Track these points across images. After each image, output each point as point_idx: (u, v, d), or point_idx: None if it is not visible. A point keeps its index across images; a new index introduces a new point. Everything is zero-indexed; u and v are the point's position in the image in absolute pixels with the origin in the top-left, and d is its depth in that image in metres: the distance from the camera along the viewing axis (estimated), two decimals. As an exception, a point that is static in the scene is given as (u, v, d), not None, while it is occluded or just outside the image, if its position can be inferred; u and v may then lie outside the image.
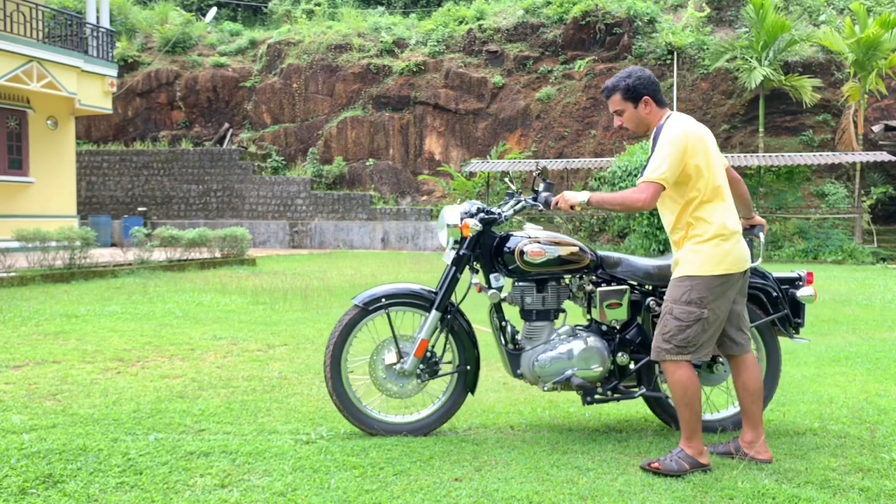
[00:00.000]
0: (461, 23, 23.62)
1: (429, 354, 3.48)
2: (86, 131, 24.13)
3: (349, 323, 3.44)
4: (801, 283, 3.58)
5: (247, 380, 4.65)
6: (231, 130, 24.26)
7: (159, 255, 13.13)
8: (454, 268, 3.48)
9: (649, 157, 3.11)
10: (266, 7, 29.74)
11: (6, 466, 2.93)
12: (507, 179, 3.73)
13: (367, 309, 3.45)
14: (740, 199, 3.32)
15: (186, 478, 2.87)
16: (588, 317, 3.58)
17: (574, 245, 3.46)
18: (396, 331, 3.47)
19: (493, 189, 20.83)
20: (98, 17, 16.83)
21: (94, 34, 16.29)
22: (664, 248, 15.35)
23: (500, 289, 3.47)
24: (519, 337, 3.52)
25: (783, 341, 3.77)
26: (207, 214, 22.35)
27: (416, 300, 3.51)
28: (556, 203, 3.29)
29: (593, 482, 2.88)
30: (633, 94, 3.18)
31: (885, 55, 17.91)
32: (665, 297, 3.14)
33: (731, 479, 2.91)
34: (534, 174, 3.56)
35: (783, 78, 19.20)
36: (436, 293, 3.48)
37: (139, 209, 22.34)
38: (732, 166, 3.65)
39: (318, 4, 26.76)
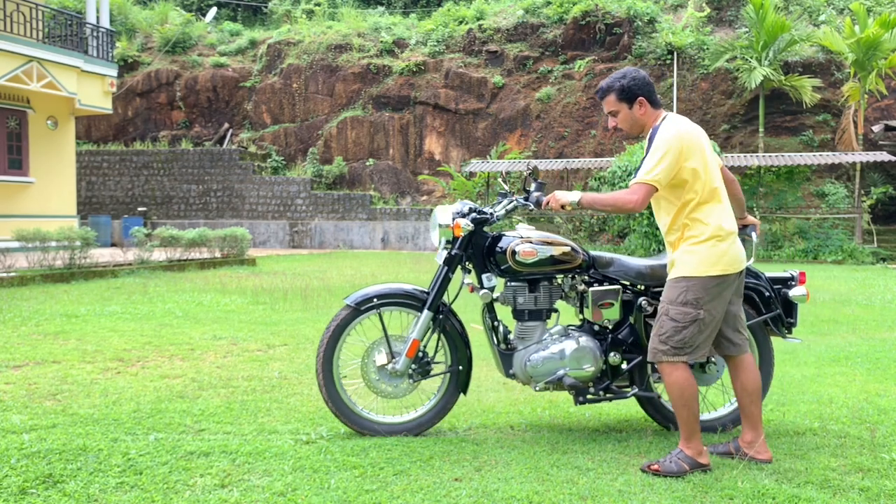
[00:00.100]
0: (461, 23, 23.62)
1: (421, 354, 3.47)
2: (86, 131, 24.14)
3: (341, 323, 3.43)
4: (793, 283, 3.57)
5: (247, 380, 4.65)
6: (231, 130, 24.26)
7: (159, 255, 13.13)
8: (446, 268, 3.48)
9: (643, 158, 3.10)
10: (266, 7, 29.74)
11: (6, 466, 2.93)
12: (499, 179, 3.73)
13: (359, 309, 3.44)
14: (734, 200, 3.31)
15: (186, 478, 2.87)
16: (580, 317, 3.58)
17: (566, 245, 3.46)
18: (388, 331, 3.47)
19: (493, 189, 20.83)
20: (98, 17, 16.83)
21: (94, 34, 16.29)
22: (664, 249, 15.34)
23: (492, 289, 3.47)
24: (511, 337, 3.53)
25: (780, 342, 3.77)
26: (207, 214, 22.36)
27: (409, 300, 3.51)
28: (547, 203, 3.29)
29: (593, 482, 2.88)
30: (628, 94, 3.17)
31: (885, 55, 17.92)
32: (661, 298, 3.14)
33: (731, 479, 2.91)
34: (524, 174, 3.57)
35: (783, 78, 19.20)
36: (428, 293, 3.48)
37: (139, 209, 22.35)
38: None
39: (318, 4, 26.76)
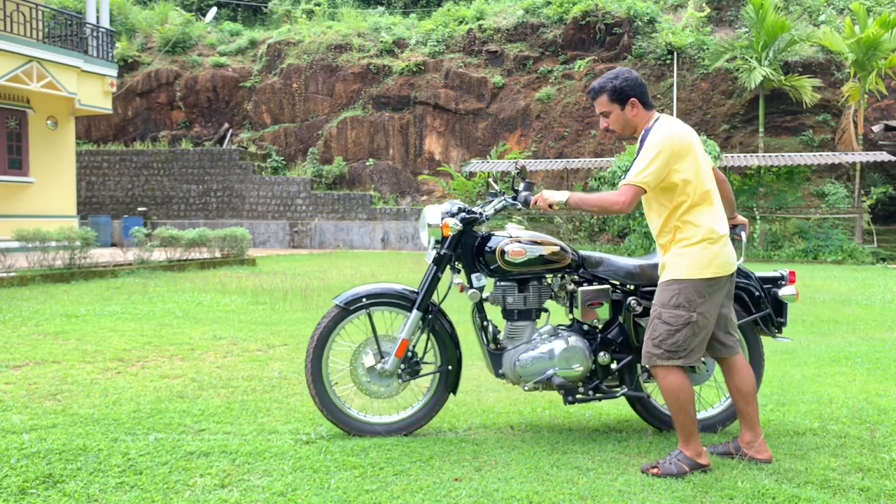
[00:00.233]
0: (461, 23, 23.62)
1: (410, 354, 3.47)
2: (86, 131, 24.13)
3: (330, 323, 3.43)
4: (783, 283, 3.57)
5: (247, 380, 4.65)
6: (231, 130, 24.26)
7: (159, 255, 13.13)
8: (435, 267, 3.48)
9: (634, 159, 3.10)
10: (266, 7, 29.74)
11: (6, 466, 2.93)
12: (490, 179, 3.73)
13: (348, 309, 3.44)
14: (725, 200, 3.30)
15: (186, 478, 2.87)
16: (570, 316, 3.58)
17: (555, 245, 3.46)
18: (377, 331, 3.46)
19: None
20: (98, 17, 16.83)
21: (94, 34, 16.29)
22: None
23: (481, 289, 3.47)
24: (501, 337, 3.52)
25: (772, 343, 3.76)
26: (207, 214, 22.36)
27: (398, 300, 3.51)
28: (535, 202, 3.29)
29: (593, 482, 2.88)
30: (620, 95, 3.15)
31: (885, 55, 17.91)
32: (653, 302, 3.13)
33: (731, 479, 2.91)
34: (513, 173, 3.56)
35: (783, 78, 19.20)
36: (417, 293, 3.48)
37: (139, 209, 22.35)
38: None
39: (318, 4, 26.76)
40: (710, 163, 3.22)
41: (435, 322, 3.50)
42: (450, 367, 3.52)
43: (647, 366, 3.12)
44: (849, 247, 17.02)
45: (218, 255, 14.13)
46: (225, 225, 20.37)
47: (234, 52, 25.07)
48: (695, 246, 3.01)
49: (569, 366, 3.40)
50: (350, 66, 23.35)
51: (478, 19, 23.51)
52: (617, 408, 4.07)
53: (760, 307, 3.52)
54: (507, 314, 3.53)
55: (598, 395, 3.50)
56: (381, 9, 27.41)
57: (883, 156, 17.29)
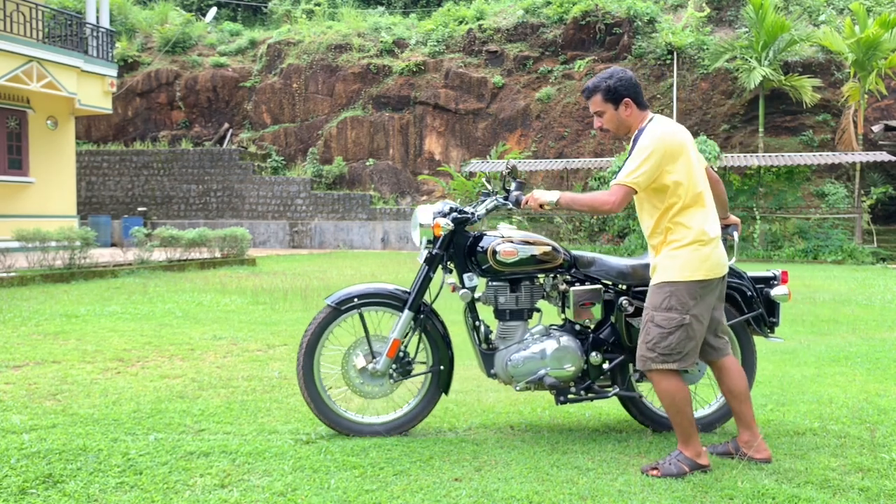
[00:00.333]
0: (461, 23, 23.62)
1: (402, 354, 3.47)
2: (86, 131, 24.13)
3: (322, 323, 3.42)
4: (775, 283, 3.57)
5: (247, 380, 4.65)
6: (231, 130, 24.26)
7: (159, 255, 13.13)
8: (427, 267, 3.48)
9: (625, 159, 3.09)
10: (266, 7, 29.74)
11: (6, 466, 2.93)
12: (483, 179, 3.73)
13: (339, 309, 3.44)
14: (718, 200, 3.30)
15: (186, 478, 2.87)
16: (563, 316, 3.58)
17: (547, 245, 3.46)
18: (369, 331, 3.46)
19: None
20: (98, 17, 16.83)
21: (94, 34, 16.29)
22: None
23: (472, 289, 3.47)
24: (493, 337, 3.52)
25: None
26: (207, 214, 22.36)
27: (390, 300, 3.50)
28: (526, 202, 3.28)
29: (593, 482, 2.88)
30: (614, 95, 3.14)
31: (884, 55, 17.91)
32: (645, 305, 3.12)
33: (731, 479, 2.91)
34: (503, 173, 3.56)
35: (783, 78, 19.20)
36: (409, 293, 3.48)
37: (139, 209, 22.35)
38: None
39: (318, 4, 26.76)
40: (704, 163, 3.21)
41: (427, 322, 3.50)
42: (442, 367, 3.52)
43: (642, 370, 3.12)
44: (849, 247, 17.02)
45: (218, 255, 14.13)
46: (225, 225, 20.37)
47: (234, 52, 25.07)
48: (685, 248, 3.00)
49: (560, 366, 3.40)
50: (350, 66, 23.35)
51: (478, 19, 23.51)
52: (617, 408, 4.07)
53: (753, 307, 3.51)
54: (499, 314, 3.53)
55: (589, 395, 3.50)
56: (381, 9, 27.41)
57: (883, 156, 17.29)
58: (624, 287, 3.49)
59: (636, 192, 3.03)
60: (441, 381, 3.52)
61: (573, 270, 3.51)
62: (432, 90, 22.61)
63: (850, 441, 3.43)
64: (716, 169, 17.58)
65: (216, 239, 13.98)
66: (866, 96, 18.68)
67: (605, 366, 3.48)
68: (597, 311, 3.45)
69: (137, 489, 2.76)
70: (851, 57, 18.27)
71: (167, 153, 22.67)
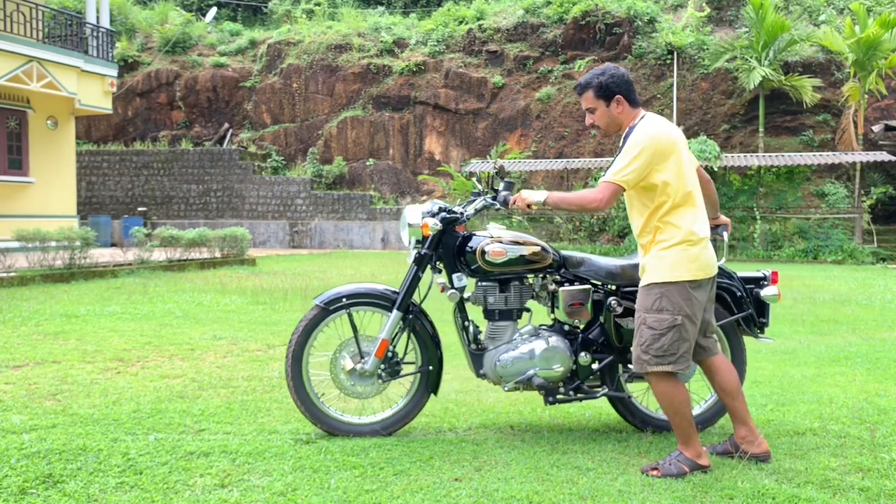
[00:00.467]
0: (461, 23, 23.62)
1: (390, 354, 3.47)
2: (86, 131, 24.13)
3: (310, 323, 3.42)
4: (765, 283, 3.56)
5: (247, 380, 4.65)
6: (231, 130, 24.26)
7: (159, 255, 13.13)
8: (416, 267, 3.48)
9: (615, 157, 3.09)
10: (266, 7, 29.74)
11: (6, 466, 2.93)
12: (474, 179, 3.73)
13: (328, 309, 3.43)
14: (708, 200, 3.29)
15: (186, 478, 2.87)
16: (552, 316, 3.58)
17: (536, 245, 3.45)
18: (358, 331, 3.46)
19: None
20: (98, 17, 16.83)
21: (94, 34, 16.29)
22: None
23: (461, 289, 3.46)
24: (482, 337, 3.52)
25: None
26: (207, 214, 22.36)
27: (379, 300, 3.50)
28: (514, 202, 3.28)
29: (593, 482, 2.88)
30: (606, 92, 3.13)
31: (885, 55, 17.91)
32: (636, 307, 3.12)
33: (731, 479, 2.91)
34: (491, 173, 3.56)
35: (783, 78, 19.20)
36: (398, 293, 3.48)
37: (139, 209, 22.35)
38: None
39: (318, 4, 26.75)
40: (695, 163, 3.20)
41: (416, 322, 3.49)
42: (430, 368, 3.51)
43: (638, 372, 3.11)
44: (849, 247, 17.01)
45: (218, 255, 14.13)
46: (225, 225, 20.37)
47: (234, 52, 25.07)
48: (674, 248, 2.99)
49: (549, 366, 3.40)
50: (350, 66, 23.35)
51: (478, 19, 23.51)
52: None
53: (742, 307, 3.51)
54: (489, 314, 3.52)
55: (578, 395, 3.50)
56: (381, 9, 27.41)
57: (883, 156, 17.29)
58: (613, 287, 3.49)
59: (624, 191, 3.02)
60: (430, 381, 3.52)
61: (562, 270, 3.51)
62: (432, 90, 22.61)
63: (850, 441, 3.43)
64: (716, 169, 17.59)
65: (216, 239, 13.98)
66: (866, 96, 18.68)
67: (595, 366, 3.48)
68: (585, 312, 3.45)
69: (137, 489, 2.76)
70: (851, 57, 18.27)
71: (167, 153, 22.67)
